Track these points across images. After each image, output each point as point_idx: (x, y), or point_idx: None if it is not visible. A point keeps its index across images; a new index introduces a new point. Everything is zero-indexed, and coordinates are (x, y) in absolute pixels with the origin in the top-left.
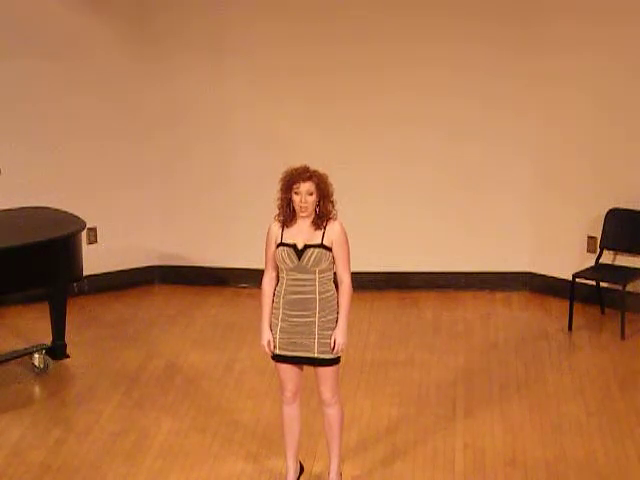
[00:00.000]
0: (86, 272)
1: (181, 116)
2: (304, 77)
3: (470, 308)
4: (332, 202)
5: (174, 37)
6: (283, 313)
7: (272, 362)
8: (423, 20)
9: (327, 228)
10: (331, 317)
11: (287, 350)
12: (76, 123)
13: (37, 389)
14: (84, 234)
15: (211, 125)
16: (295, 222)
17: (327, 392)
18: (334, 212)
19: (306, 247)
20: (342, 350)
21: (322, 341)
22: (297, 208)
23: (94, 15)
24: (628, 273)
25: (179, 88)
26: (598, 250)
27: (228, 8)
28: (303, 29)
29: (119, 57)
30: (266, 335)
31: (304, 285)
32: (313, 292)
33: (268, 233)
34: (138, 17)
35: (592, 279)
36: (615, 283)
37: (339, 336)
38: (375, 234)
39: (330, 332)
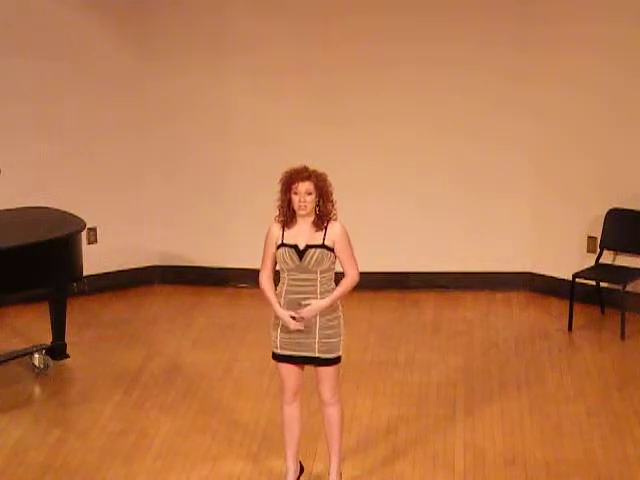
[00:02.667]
0: (86, 272)
1: (181, 116)
2: (304, 76)
3: (470, 308)
4: (332, 202)
5: (174, 36)
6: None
7: (272, 362)
8: (423, 19)
9: (328, 228)
10: (332, 316)
11: (288, 350)
12: (76, 123)
13: (37, 389)
14: (84, 234)
15: (211, 125)
16: (295, 223)
17: (327, 392)
18: (334, 212)
19: (307, 247)
20: (301, 318)
21: (323, 341)
22: (296, 208)
23: (94, 14)
24: (628, 273)
25: (179, 87)
26: (598, 250)
27: (228, 6)
28: (303, 28)
29: (119, 56)
30: (283, 313)
31: (305, 285)
32: (314, 292)
33: (268, 233)
34: (138, 16)
35: (592, 279)
36: (615, 283)
37: (312, 308)
38: (375, 234)
39: (331, 332)
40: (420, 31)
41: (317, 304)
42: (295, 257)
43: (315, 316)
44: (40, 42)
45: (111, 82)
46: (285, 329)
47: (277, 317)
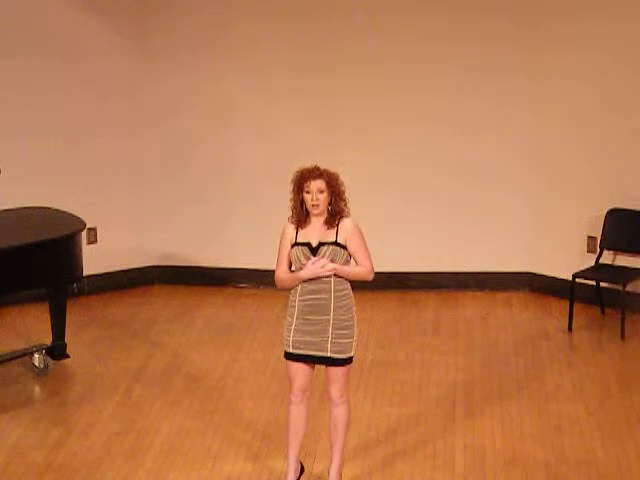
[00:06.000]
0: (86, 272)
1: (181, 116)
2: (305, 74)
3: (470, 308)
4: (344, 200)
5: (174, 35)
6: (299, 311)
7: (272, 362)
8: (423, 17)
9: (339, 226)
10: (346, 316)
11: (300, 349)
12: (76, 123)
13: (37, 389)
14: (84, 234)
15: (211, 125)
16: (309, 223)
17: (336, 391)
18: (347, 210)
19: (320, 245)
20: (322, 266)
21: (335, 341)
22: (309, 207)
23: (95, 13)
24: (628, 273)
25: (179, 87)
26: (598, 250)
27: (227, 5)
28: (303, 26)
29: (119, 55)
30: (307, 270)
31: (319, 283)
32: (328, 290)
33: (283, 234)
34: (138, 15)
35: (592, 279)
36: (615, 283)
37: (331, 265)
38: (375, 234)
39: (344, 331)
40: (419, 29)
41: (337, 266)
42: (308, 255)
43: (328, 315)
44: (39, 41)
45: (111, 81)
46: (298, 329)
47: (291, 316)
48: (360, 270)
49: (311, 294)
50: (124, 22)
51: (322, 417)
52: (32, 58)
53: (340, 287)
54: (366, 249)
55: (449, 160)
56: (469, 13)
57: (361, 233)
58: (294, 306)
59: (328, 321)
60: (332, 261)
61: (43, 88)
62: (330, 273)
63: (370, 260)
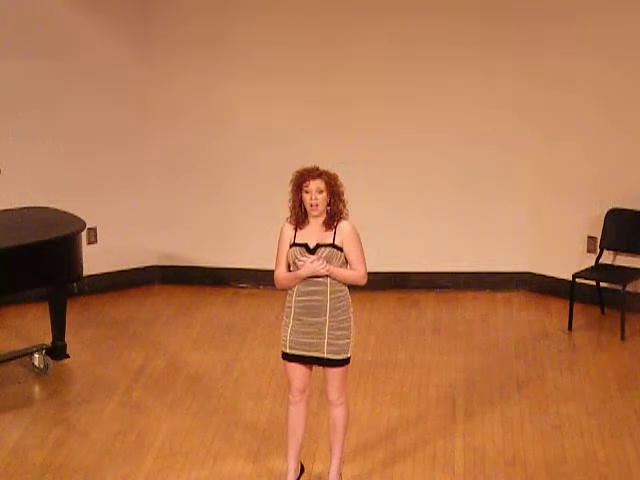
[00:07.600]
0: (86, 272)
1: (181, 116)
2: (306, 78)
3: (470, 308)
4: (343, 201)
5: (175, 37)
6: (295, 312)
7: (272, 362)
8: (424, 21)
9: (337, 228)
10: (342, 317)
11: (297, 349)
12: (76, 123)
13: (37, 389)
14: (84, 234)
15: (211, 126)
16: (308, 223)
17: (334, 392)
18: (345, 212)
19: (317, 246)
20: (320, 265)
21: (332, 342)
22: (308, 207)
23: (94, 15)
24: (628, 273)
25: (180, 88)
26: (598, 250)
27: (229, 7)
28: (304, 30)
29: (119, 57)
30: (306, 268)
31: (316, 284)
32: (324, 292)
33: (281, 234)
34: (138, 17)
35: (592, 279)
36: (615, 283)
37: (327, 266)
38: (375, 234)
39: (341, 332)
40: (420, 34)
41: (333, 268)
42: (305, 255)
43: (325, 316)
44: (41, 43)
45: (112, 83)
46: (295, 329)
47: (288, 317)
48: (353, 274)
49: (308, 295)
50: (126, 26)
51: (322, 417)
52: (34, 61)
53: (337, 288)
54: (362, 254)
55: (449, 160)
56: (470, 19)
57: (358, 237)
58: (291, 307)
59: (324, 322)
60: (328, 262)
61: (44, 90)
62: (327, 273)
63: (364, 265)
